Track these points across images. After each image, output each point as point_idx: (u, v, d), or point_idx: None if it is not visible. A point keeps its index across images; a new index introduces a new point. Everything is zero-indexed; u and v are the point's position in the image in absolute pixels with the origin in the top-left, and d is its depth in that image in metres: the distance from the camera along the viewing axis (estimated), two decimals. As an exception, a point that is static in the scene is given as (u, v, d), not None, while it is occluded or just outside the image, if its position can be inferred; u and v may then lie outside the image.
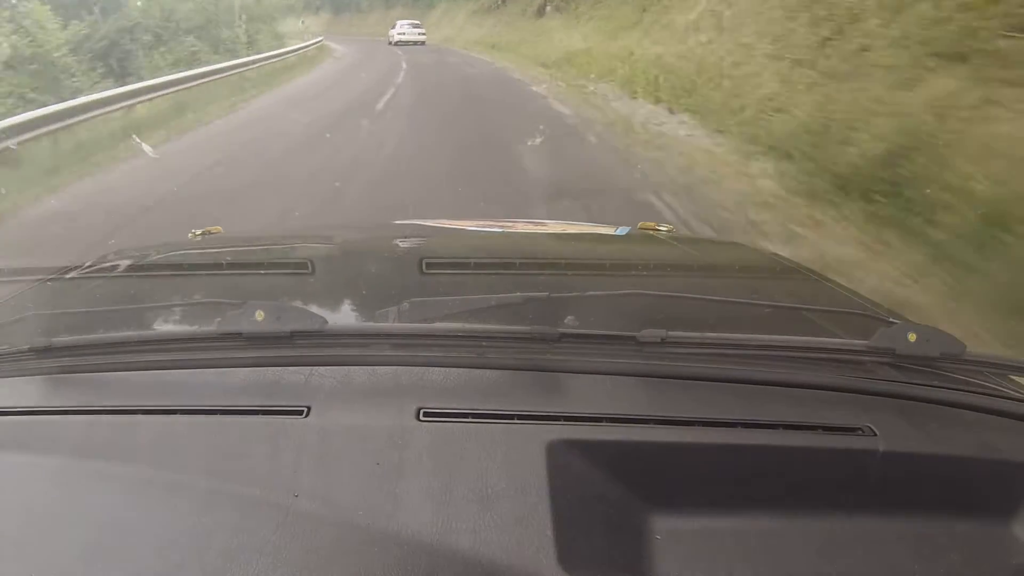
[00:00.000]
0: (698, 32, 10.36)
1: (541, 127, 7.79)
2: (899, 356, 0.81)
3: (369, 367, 0.85)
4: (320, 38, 26.43)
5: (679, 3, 12.21)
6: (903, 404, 0.80)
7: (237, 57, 16.88)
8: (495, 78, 14.89)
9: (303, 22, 43.54)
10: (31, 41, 12.73)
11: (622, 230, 1.84)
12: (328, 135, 8.20)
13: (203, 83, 12.17)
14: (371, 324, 0.94)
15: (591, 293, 1.09)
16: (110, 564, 0.60)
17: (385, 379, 0.83)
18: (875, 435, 0.74)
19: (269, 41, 23.61)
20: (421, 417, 0.75)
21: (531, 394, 0.80)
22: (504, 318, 0.92)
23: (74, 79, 13.21)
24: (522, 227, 1.92)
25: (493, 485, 0.66)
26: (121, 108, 9.50)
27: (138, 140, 7.82)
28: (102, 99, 9.30)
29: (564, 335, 0.83)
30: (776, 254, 1.88)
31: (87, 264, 1.36)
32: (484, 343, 0.85)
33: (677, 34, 11.29)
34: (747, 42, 8.54)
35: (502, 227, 1.86)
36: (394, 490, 0.66)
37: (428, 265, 1.31)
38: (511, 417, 0.75)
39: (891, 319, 1.00)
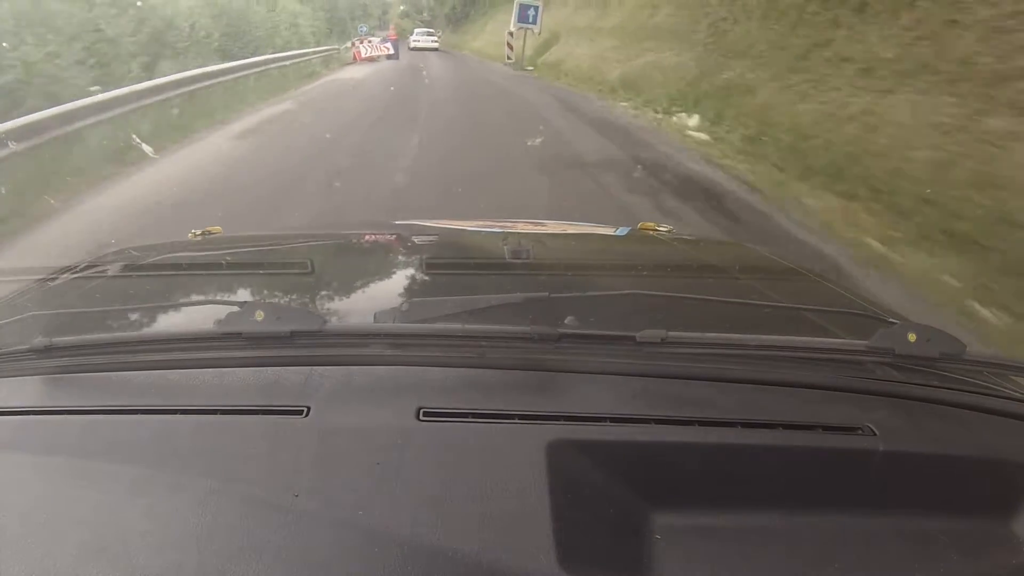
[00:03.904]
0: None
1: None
2: (899, 356, 0.81)
3: (369, 367, 0.85)
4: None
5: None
6: (903, 404, 0.80)
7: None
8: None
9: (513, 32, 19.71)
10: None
11: (622, 230, 1.84)
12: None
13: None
14: (371, 324, 0.94)
15: (591, 293, 1.09)
16: (110, 564, 0.60)
17: (385, 379, 0.83)
18: (875, 435, 0.74)
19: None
20: (421, 417, 0.75)
21: (531, 394, 0.80)
22: (504, 318, 0.92)
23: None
24: (522, 227, 1.92)
25: (493, 485, 0.66)
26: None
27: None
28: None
29: (564, 335, 0.83)
30: (776, 254, 1.88)
31: (87, 264, 1.36)
32: (484, 343, 0.85)
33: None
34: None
35: (502, 227, 1.86)
36: (394, 490, 0.66)
37: (428, 265, 1.31)
38: (511, 417, 0.75)
39: (891, 319, 1.00)
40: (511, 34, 20.52)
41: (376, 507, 0.64)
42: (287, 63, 16.74)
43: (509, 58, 20.93)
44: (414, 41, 32.27)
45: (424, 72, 19.12)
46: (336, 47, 24.64)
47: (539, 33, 19.80)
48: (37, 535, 0.63)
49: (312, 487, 0.66)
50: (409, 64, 22.61)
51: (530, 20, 19.42)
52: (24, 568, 0.60)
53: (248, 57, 14.70)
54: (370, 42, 25.44)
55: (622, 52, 14.77)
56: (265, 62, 14.94)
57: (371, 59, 24.01)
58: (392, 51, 25.10)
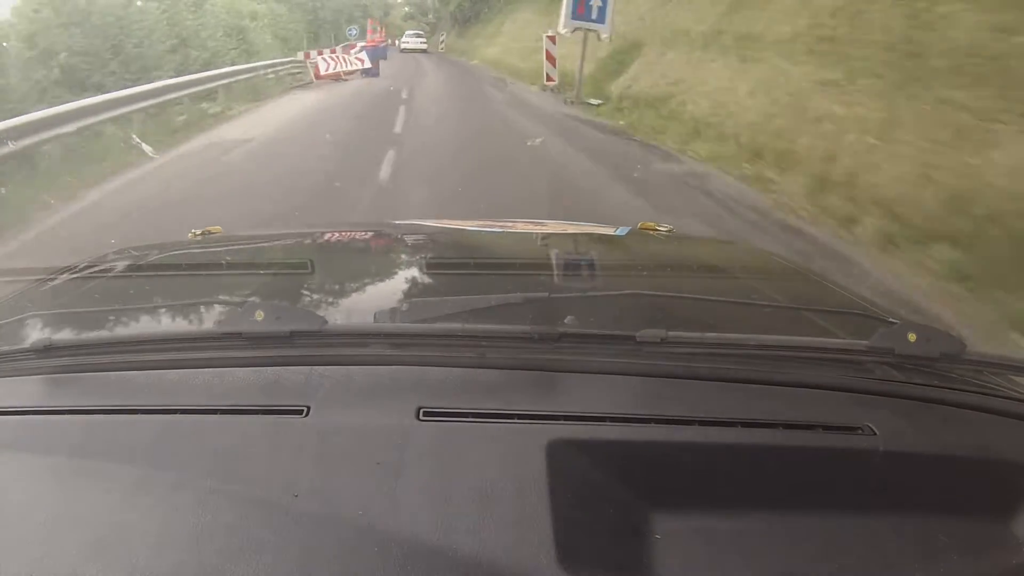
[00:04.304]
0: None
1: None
2: (899, 356, 0.81)
3: (369, 367, 0.85)
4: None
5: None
6: (903, 404, 0.80)
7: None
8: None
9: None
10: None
11: (622, 230, 1.84)
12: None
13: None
14: (371, 324, 0.94)
15: (591, 293, 1.09)
16: (110, 564, 0.60)
17: (385, 379, 0.83)
18: (875, 435, 0.74)
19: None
20: (421, 417, 0.75)
21: (531, 394, 0.80)
22: (504, 318, 0.92)
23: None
24: (522, 227, 1.92)
25: (493, 485, 0.66)
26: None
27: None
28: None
29: (564, 335, 0.83)
30: (776, 254, 1.88)
31: (87, 264, 1.36)
32: (484, 343, 0.85)
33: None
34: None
35: (502, 227, 1.86)
36: (394, 490, 0.66)
37: (428, 265, 1.31)
38: (511, 417, 0.75)
39: (891, 319, 1.00)
40: (552, 39, 12.48)
41: (376, 507, 0.64)
42: (148, 104, 9.40)
43: (550, 79, 12.84)
44: (404, 43, 35.28)
45: (401, 110, 11.34)
46: (302, 60, 18.39)
47: (609, 38, 11.73)
48: (37, 535, 0.63)
49: (312, 487, 0.66)
50: (385, 90, 14.57)
51: (593, 15, 11.44)
52: (24, 568, 0.60)
53: (133, 85, 9.14)
54: (335, 54, 18.14)
55: (883, 104, 5.62)
56: (84, 111, 7.67)
57: (336, 77, 17.25)
58: (367, 64, 17.90)
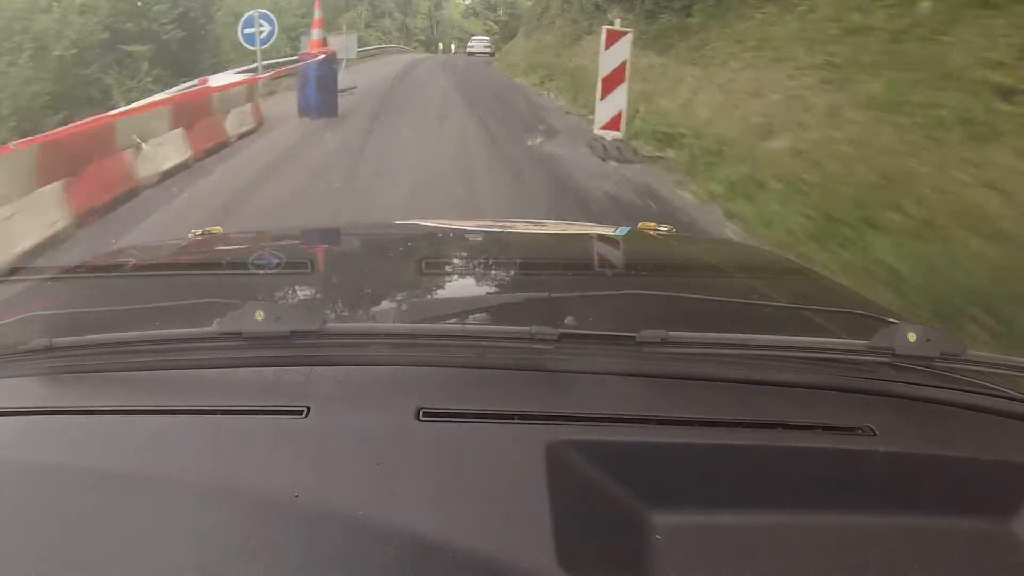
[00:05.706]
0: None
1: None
2: (899, 356, 0.81)
3: (369, 367, 0.85)
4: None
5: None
6: (903, 404, 0.80)
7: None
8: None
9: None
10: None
11: (622, 230, 1.84)
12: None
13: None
14: (371, 324, 0.94)
15: (591, 293, 1.09)
16: (109, 564, 0.60)
17: (385, 379, 0.83)
18: (875, 435, 0.74)
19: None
20: (421, 417, 0.75)
21: (531, 394, 0.80)
22: (504, 318, 0.92)
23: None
24: (522, 227, 1.92)
25: (493, 485, 0.66)
26: None
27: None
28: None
29: (564, 335, 0.83)
30: (776, 254, 1.88)
31: (87, 264, 1.36)
32: (484, 343, 0.85)
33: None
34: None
35: (502, 227, 1.86)
36: (394, 490, 0.66)
37: (428, 265, 1.31)
38: (511, 417, 0.75)
39: (891, 319, 1.00)
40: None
41: (376, 507, 0.64)
42: None
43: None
44: (470, 47, 35.33)
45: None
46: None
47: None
48: (36, 535, 0.63)
49: (312, 487, 0.66)
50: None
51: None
52: (23, 569, 0.60)
53: None
54: None
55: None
56: None
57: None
58: None
